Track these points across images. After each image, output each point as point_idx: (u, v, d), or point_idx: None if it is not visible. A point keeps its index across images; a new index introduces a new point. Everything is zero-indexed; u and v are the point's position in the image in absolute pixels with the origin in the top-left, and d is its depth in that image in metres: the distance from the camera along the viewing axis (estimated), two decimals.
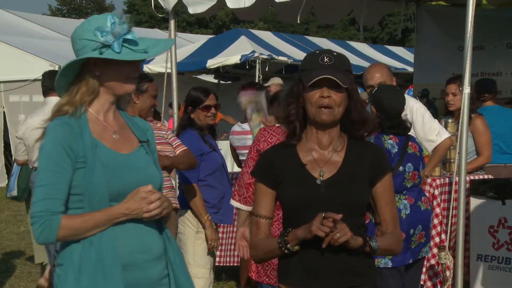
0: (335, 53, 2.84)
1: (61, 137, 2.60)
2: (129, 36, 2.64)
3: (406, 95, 5.79)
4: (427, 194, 5.87)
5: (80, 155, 2.61)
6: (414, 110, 5.59)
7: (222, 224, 6.15)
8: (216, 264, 7.07)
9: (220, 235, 6.88)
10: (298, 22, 6.96)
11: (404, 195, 4.76)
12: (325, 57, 2.80)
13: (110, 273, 2.58)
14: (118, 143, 2.72)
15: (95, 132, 2.68)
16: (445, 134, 5.63)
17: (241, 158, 6.73)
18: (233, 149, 7.02)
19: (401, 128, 4.77)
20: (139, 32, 3.15)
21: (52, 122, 2.66)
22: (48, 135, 2.63)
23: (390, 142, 4.68)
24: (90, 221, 2.59)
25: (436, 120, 5.76)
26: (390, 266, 4.63)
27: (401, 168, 4.69)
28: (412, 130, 5.45)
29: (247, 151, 6.61)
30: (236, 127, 6.92)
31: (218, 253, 7.00)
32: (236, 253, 6.99)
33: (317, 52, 2.87)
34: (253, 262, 4.64)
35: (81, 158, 2.61)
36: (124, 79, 2.69)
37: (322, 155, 2.86)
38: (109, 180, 2.61)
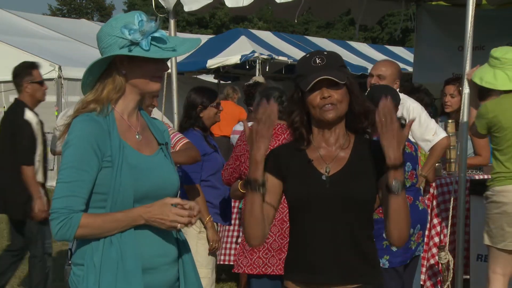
0: (325, 53, 2.84)
1: (89, 134, 2.58)
2: (157, 34, 2.62)
3: (403, 95, 5.80)
4: (426, 194, 5.89)
5: (107, 154, 2.59)
6: (411, 110, 5.58)
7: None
8: (217, 263, 7.10)
9: (220, 233, 6.89)
10: (296, 21, 6.96)
11: (408, 195, 4.76)
12: (317, 58, 2.80)
13: (131, 273, 2.57)
14: (140, 144, 2.72)
15: (121, 132, 2.66)
16: (442, 134, 5.62)
17: None
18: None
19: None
20: None
21: (80, 117, 2.62)
22: (75, 130, 2.59)
23: None
24: (110, 221, 2.57)
25: (432, 120, 5.75)
26: (387, 267, 4.63)
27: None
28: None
29: None
30: (238, 126, 6.92)
31: (217, 251, 7.02)
32: (229, 251, 7.01)
33: (307, 55, 2.87)
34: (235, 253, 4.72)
35: (108, 157, 2.59)
36: (150, 77, 2.67)
37: (329, 152, 2.86)
38: (135, 181, 2.60)
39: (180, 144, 4.84)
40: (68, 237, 2.55)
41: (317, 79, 2.75)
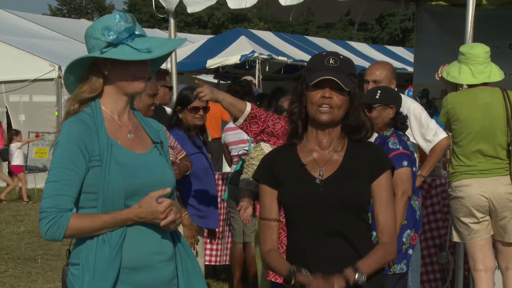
0: (341, 56, 2.86)
1: (77, 135, 2.60)
2: (132, 37, 2.63)
3: (403, 96, 5.79)
4: (422, 194, 5.89)
5: (95, 153, 2.60)
6: (411, 110, 5.57)
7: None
8: (213, 263, 7.07)
9: (220, 234, 6.87)
10: (291, 20, 6.97)
11: (415, 196, 4.78)
12: (330, 58, 2.82)
13: (125, 271, 2.60)
14: (133, 143, 2.73)
15: (110, 131, 2.68)
16: (442, 134, 5.62)
17: (233, 153, 6.75)
18: (225, 147, 7.04)
19: (407, 124, 4.80)
20: None
21: (69, 119, 2.66)
22: (63, 132, 2.62)
23: (410, 144, 4.70)
24: (99, 222, 2.59)
25: (433, 120, 5.75)
26: (404, 272, 4.64)
27: (414, 169, 4.70)
28: (409, 131, 5.45)
29: (240, 145, 6.61)
30: (231, 124, 6.90)
31: (213, 252, 7.01)
32: (229, 252, 6.97)
33: (323, 53, 2.89)
34: None
35: (96, 157, 2.60)
36: (131, 78, 2.68)
37: (323, 155, 2.88)
38: (124, 178, 2.61)
39: (181, 156, 4.79)
40: (57, 236, 2.57)
41: (324, 77, 2.77)
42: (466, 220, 5.12)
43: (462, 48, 5.26)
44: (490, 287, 5.20)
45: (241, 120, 4.24)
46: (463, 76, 5.19)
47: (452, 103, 5.20)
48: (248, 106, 4.25)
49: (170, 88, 6.50)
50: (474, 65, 5.15)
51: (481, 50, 5.17)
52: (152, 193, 2.61)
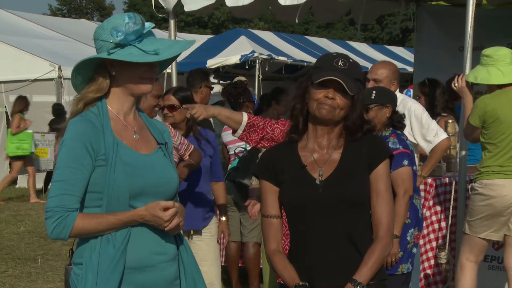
0: (351, 60, 2.87)
1: (82, 134, 2.61)
2: (141, 37, 2.63)
3: (404, 96, 5.80)
4: (423, 194, 5.89)
5: (101, 153, 2.61)
6: (412, 110, 5.57)
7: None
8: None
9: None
10: (297, 21, 6.97)
11: (417, 195, 4.79)
12: (340, 60, 2.83)
13: (127, 271, 2.60)
14: (138, 143, 2.73)
15: (116, 131, 2.68)
16: (443, 135, 5.62)
17: (230, 152, 6.77)
18: (224, 146, 7.05)
19: (404, 122, 4.80)
20: None
21: (74, 118, 2.67)
22: (69, 131, 2.63)
23: (409, 143, 4.70)
24: (104, 223, 2.59)
25: (434, 121, 5.75)
26: (411, 271, 4.65)
27: (414, 168, 4.71)
28: (410, 131, 5.45)
29: (237, 144, 6.62)
30: None
31: None
32: (223, 252, 6.96)
33: (334, 54, 2.90)
34: None
35: (101, 156, 2.61)
36: (138, 79, 2.68)
37: (322, 155, 2.88)
38: (129, 178, 2.61)
39: (189, 152, 4.79)
40: (63, 236, 2.58)
41: (330, 77, 2.77)
42: (491, 219, 5.15)
43: (487, 51, 5.26)
44: (475, 279, 5.26)
45: (240, 131, 4.26)
46: (494, 76, 5.19)
47: (492, 104, 5.18)
48: (245, 116, 4.27)
49: (211, 88, 6.62)
50: (503, 65, 5.18)
51: (507, 51, 5.23)
52: (161, 203, 2.62)
